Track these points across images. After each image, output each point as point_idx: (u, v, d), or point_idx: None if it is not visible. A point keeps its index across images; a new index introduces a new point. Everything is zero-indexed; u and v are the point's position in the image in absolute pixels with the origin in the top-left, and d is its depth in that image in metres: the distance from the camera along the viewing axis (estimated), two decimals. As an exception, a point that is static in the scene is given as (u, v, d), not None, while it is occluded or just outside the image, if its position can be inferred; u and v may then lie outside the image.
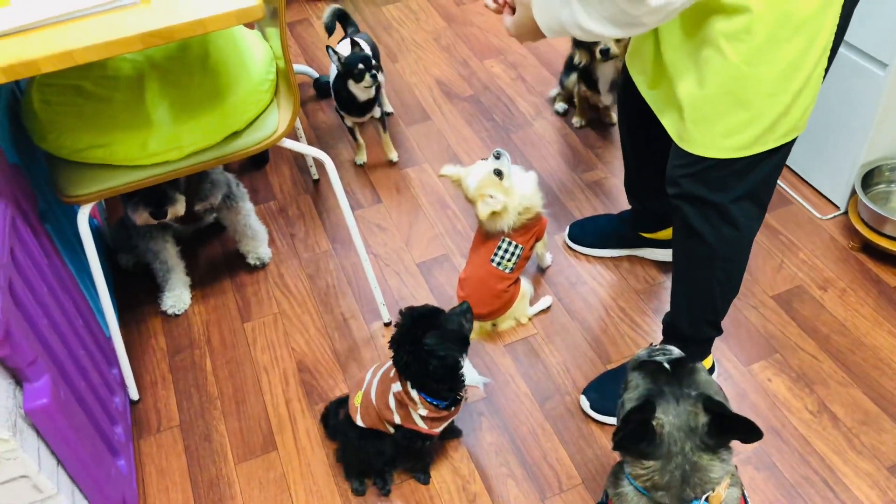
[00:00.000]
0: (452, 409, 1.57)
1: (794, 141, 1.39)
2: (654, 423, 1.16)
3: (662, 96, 1.49)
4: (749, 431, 1.13)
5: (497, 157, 1.85)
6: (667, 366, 1.22)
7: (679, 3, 1.12)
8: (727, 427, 1.16)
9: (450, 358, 1.46)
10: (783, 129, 1.35)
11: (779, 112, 1.31)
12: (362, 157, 2.50)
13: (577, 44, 2.37)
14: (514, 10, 1.41)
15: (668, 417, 1.15)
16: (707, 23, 1.26)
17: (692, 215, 1.48)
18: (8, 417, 1.23)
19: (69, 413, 1.37)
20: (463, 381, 1.57)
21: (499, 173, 1.84)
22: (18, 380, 1.31)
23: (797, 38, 1.24)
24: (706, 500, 1.16)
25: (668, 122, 1.47)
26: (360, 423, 1.61)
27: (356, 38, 2.34)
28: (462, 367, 1.54)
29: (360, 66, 2.22)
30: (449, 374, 1.50)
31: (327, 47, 2.29)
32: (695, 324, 1.68)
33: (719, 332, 1.72)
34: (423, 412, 1.53)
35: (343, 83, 2.29)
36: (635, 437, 1.17)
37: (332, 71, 2.34)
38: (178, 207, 1.84)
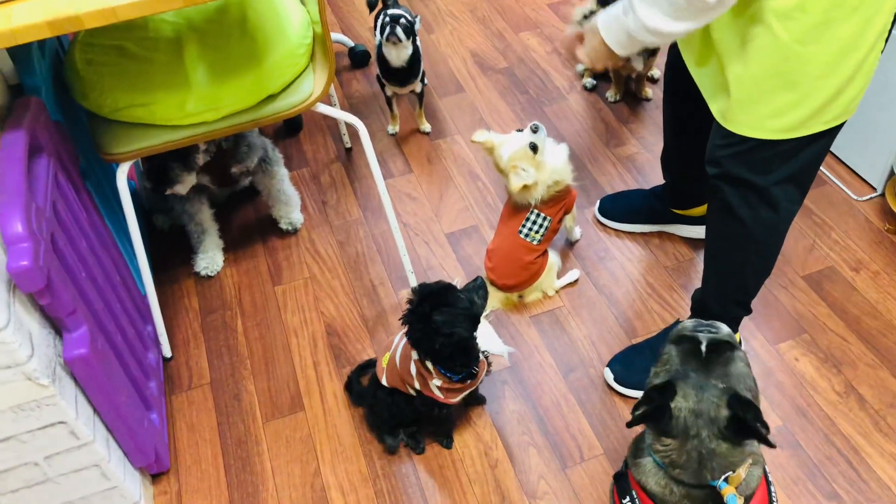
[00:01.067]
0: (468, 382, 1.58)
1: (841, 125, 1.36)
2: (672, 405, 1.16)
3: (709, 75, 1.47)
4: (763, 440, 1.12)
5: (535, 130, 1.84)
6: (703, 347, 1.20)
7: None
8: (746, 428, 1.14)
9: (456, 336, 1.45)
10: (832, 114, 1.32)
11: (828, 95, 1.28)
12: (395, 128, 2.51)
13: (602, 3, 2.34)
14: (582, 40, 1.42)
15: (688, 403, 1.15)
16: (758, 0, 1.24)
17: (732, 196, 1.46)
18: (48, 365, 1.27)
19: (106, 364, 1.41)
20: (477, 356, 1.58)
21: (534, 147, 1.84)
22: (58, 329, 1.35)
23: (853, 19, 1.21)
24: (725, 480, 1.16)
25: (713, 101, 1.45)
26: (384, 382, 1.64)
27: (398, 12, 2.36)
28: (473, 344, 1.54)
29: (388, 19, 2.26)
30: (457, 351, 1.50)
31: (375, 22, 2.31)
32: (724, 303, 1.68)
33: (748, 311, 1.71)
34: (438, 382, 1.55)
35: (381, 50, 2.30)
36: (653, 418, 1.18)
37: (377, 40, 2.35)
38: (179, 188, 1.86)
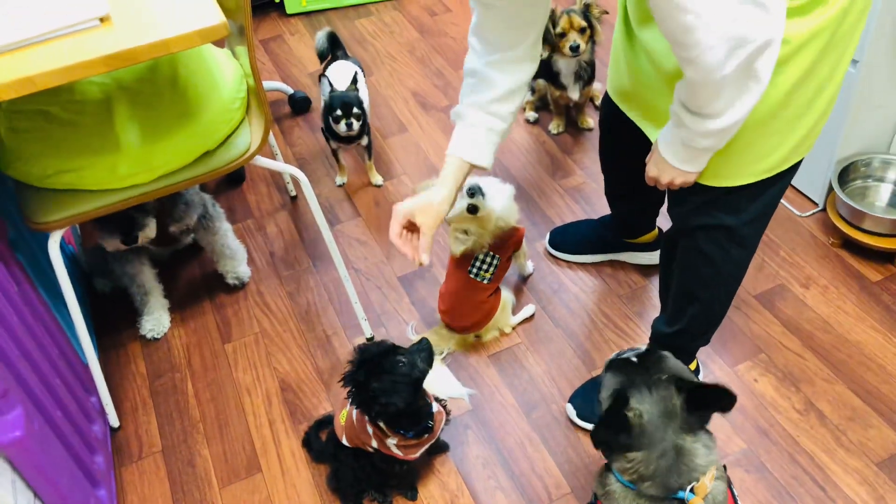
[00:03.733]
0: (424, 437, 1.54)
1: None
2: (632, 413, 1.16)
3: None
4: (723, 397, 1.14)
5: (471, 195, 1.79)
6: (634, 359, 1.23)
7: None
8: (703, 401, 1.16)
9: (392, 407, 1.41)
10: (805, 146, 1.33)
11: (806, 131, 1.29)
12: (343, 178, 2.47)
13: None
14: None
15: (645, 406, 1.15)
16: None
17: (703, 241, 1.45)
18: (-21, 452, 1.20)
19: (44, 445, 1.34)
20: (427, 413, 1.54)
21: (473, 209, 1.81)
22: (-10, 413, 1.28)
23: (831, 57, 1.21)
24: (692, 490, 1.15)
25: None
26: (345, 442, 1.59)
27: (347, 64, 2.37)
28: (417, 407, 1.50)
29: (339, 111, 2.23)
30: (397, 417, 1.46)
31: (320, 76, 2.30)
32: (691, 337, 1.68)
33: (707, 342, 1.72)
34: (394, 441, 1.51)
35: (328, 113, 2.28)
36: (613, 429, 1.17)
37: (324, 93, 2.32)
38: (148, 231, 1.81)
